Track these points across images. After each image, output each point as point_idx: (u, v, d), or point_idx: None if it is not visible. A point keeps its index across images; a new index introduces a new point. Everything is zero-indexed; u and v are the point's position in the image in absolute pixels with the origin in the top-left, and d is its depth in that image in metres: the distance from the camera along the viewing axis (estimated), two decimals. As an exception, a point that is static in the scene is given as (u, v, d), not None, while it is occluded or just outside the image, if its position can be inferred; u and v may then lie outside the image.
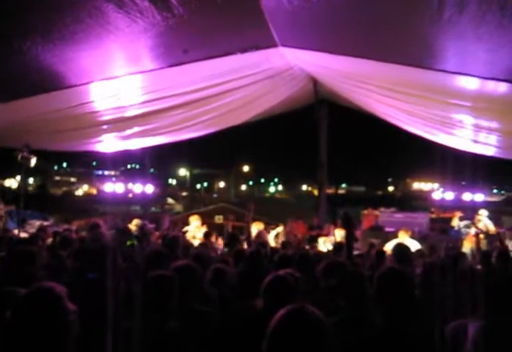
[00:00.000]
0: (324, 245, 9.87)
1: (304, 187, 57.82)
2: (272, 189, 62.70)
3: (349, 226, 5.36)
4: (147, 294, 3.54)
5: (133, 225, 11.16)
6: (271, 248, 9.10)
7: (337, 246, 6.54)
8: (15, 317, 2.23)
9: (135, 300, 3.47)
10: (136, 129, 10.48)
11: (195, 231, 10.69)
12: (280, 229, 11.94)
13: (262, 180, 60.86)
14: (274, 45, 7.80)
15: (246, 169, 52.58)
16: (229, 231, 11.03)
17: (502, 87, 6.63)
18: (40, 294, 2.31)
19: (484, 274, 3.24)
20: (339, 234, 10.15)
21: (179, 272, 3.80)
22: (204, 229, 10.91)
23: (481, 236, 11.62)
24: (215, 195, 57.69)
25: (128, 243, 5.62)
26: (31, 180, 45.35)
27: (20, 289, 2.91)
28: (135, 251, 5.94)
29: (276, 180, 60.89)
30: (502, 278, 2.86)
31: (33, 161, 10.14)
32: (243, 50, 7.59)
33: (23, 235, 9.33)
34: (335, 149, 17.34)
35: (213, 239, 9.92)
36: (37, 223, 12.65)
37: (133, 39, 6.40)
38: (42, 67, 6.63)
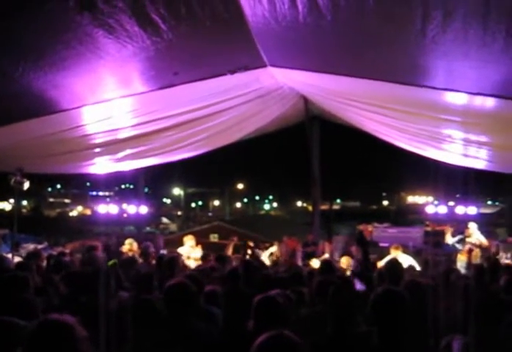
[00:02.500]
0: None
1: (299, 203, 57.82)
2: (267, 206, 62.65)
3: (364, 244, 5.36)
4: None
5: (127, 244, 11.10)
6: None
7: (325, 264, 6.39)
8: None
9: (125, 323, 3.48)
10: (128, 151, 10.52)
11: (189, 251, 10.67)
12: (274, 248, 11.93)
13: (257, 198, 60.84)
14: (263, 66, 7.90)
15: (240, 186, 52.57)
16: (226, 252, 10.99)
17: (489, 102, 6.73)
18: (52, 327, 2.30)
19: (475, 290, 3.24)
20: (344, 262, 10.04)
21: (172, 290, 3.83)
22: (198, 249, 10.90)
23: (476, 250, 11.64)
24: (210, 213, 57.68)
25: (110, 263, 5.60)
26: (24, 202, 45.26)
27: (15, 319, 2.93)
28: (118, 271, 5.92)
29: (270, 197, 60.85)
30: (487, 294, 2.89)
31: (26, 185, 10.14)
32: (233, 71, 7.67)
33: (17, 259, 9.31)
34: (328, 165, 17.39)
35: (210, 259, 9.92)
36: (31, 246, 12.63)
37: (123, 63, 6.48)
38: (33, 92, 6.68)
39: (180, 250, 10.75)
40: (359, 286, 5.31)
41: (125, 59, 6.31)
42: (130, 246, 10.97)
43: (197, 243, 11.40)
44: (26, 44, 5.39)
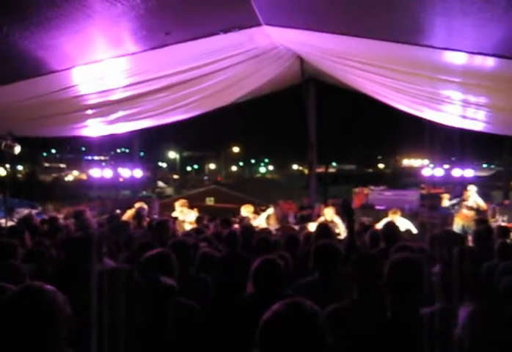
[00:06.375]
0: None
1: (295, 166, 57.76)
2: (263, 169, 62.59)
3: (349, 213, 5.20)
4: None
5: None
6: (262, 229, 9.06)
7: (322, 228, 6.33)
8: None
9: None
10: (121, 113, 10.33)
11: (185, 215, 10.60)
12: (271, 210, 11.84)
13: (253, 161, 60.69)
14: (258, 24, 7.65)
15: (236, 150, 52.36)
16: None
17: (489, 62, 6.56)
18: (28, 295, 2.17)
19: (475, 255, 3.14)
20: (328, 213, 10.04)
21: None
22: (193, 212, 10.82)
23: (472, 213, 11.57)
24: (206, 177, 57.69)
25: None
26: (20, 168, 45.08)
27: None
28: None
29: (266, 160, 60.71)
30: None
31: (17, 149, 9.98)
32: (227, 30, 7.44)
33: (11, 224, 9.24)
34: (324, 128, 17.28)
35: (204, 222, 9.86)
36: (25, 211, 12.55)
37: (112, 22, 6.25)
38: (20, 53, 6.44)
39: (176, 214, 10.68)
40: None
41: (115, 18, 6.06)
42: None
43: (193, 207, 11.33)
44: (9, 3, 5.15)
